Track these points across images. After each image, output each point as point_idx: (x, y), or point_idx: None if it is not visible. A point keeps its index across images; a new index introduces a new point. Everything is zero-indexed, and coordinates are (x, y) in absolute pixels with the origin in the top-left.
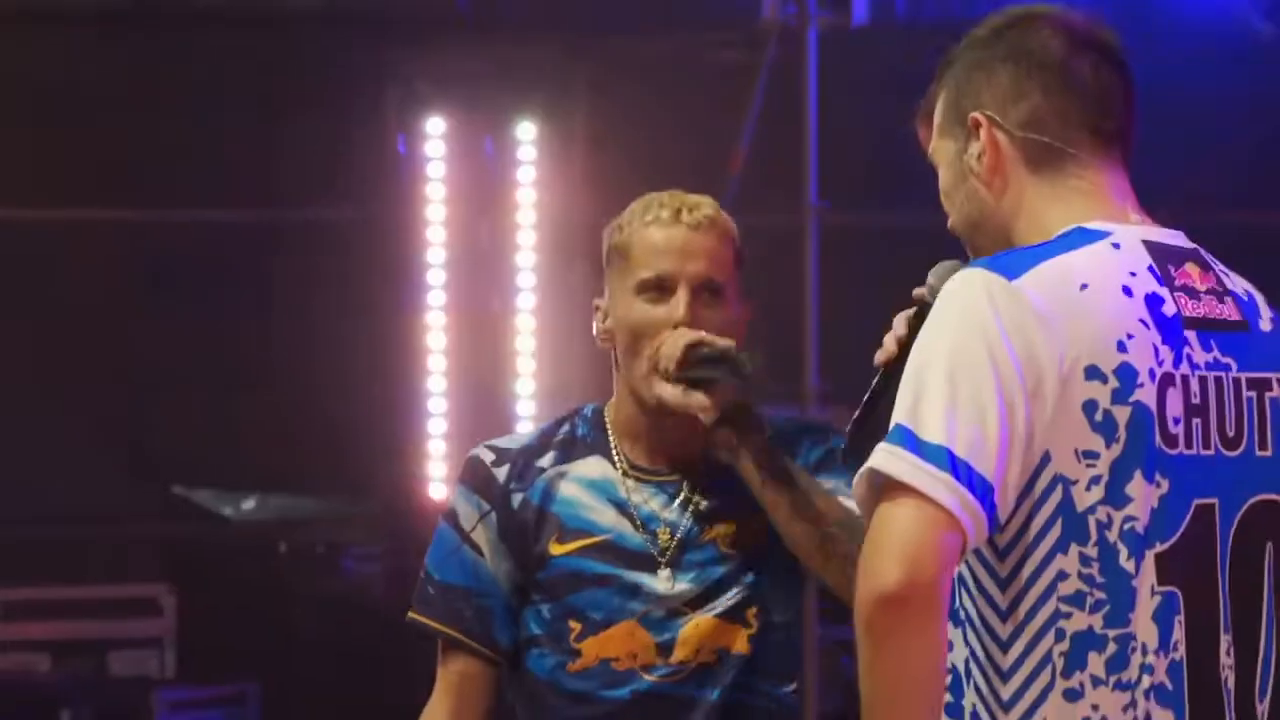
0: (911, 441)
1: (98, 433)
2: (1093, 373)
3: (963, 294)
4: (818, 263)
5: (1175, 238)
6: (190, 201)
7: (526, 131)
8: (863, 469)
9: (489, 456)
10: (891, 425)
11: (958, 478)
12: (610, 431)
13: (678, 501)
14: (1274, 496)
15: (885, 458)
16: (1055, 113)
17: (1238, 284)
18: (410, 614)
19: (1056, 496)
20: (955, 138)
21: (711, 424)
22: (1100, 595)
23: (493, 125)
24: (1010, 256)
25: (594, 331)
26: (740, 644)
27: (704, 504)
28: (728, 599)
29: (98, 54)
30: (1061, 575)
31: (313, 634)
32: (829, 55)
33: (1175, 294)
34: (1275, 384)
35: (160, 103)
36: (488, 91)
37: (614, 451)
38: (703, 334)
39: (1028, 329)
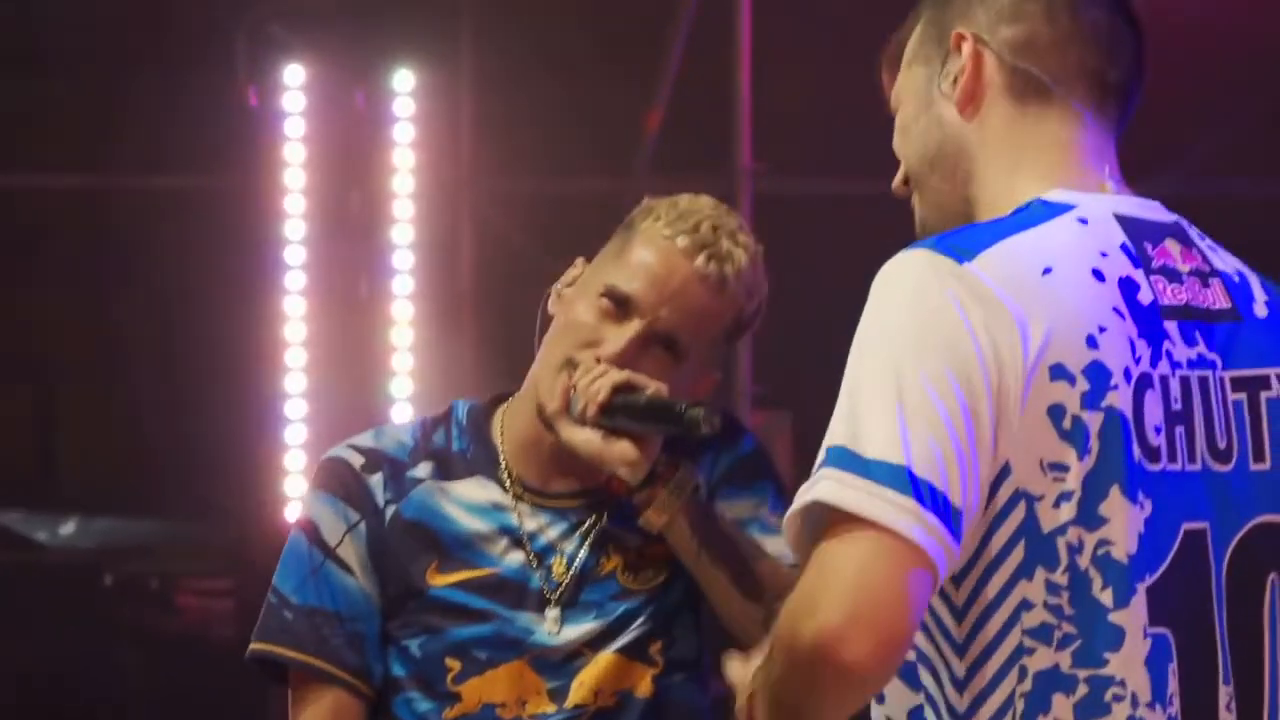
0: (855, 463)
1: None
2: (1059, 372)
3: (907, 277)
4: (752, 230)
5: (1152, 209)
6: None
7: (404, 81)
8: (795, 506)
9: (356, 460)
10: (826, 445)
11: (923, 503)
12: (500, 442)
13: (579, 530)
14: (1275, 518)
15: (831, 486)
16: (1055, 44)
17: (1227, 262)
18: (256, 645)
19: (1018, 515)
20: (929, 61)
21: (636, 483)
22: (1069, 629)
23: (363, 74)
24: (958, 236)
25: (556, 286)
26: (644, 686)
27: (606, 530)
28: (630, 633)
29: None
30: (1026, 605)
31: (144, 683)
32: None
33: (1152, 277)
34: (1275, 381)
35: None
36: (357, 34)
37: (503, 471)
38: (631, 375)
39: (986, 318)
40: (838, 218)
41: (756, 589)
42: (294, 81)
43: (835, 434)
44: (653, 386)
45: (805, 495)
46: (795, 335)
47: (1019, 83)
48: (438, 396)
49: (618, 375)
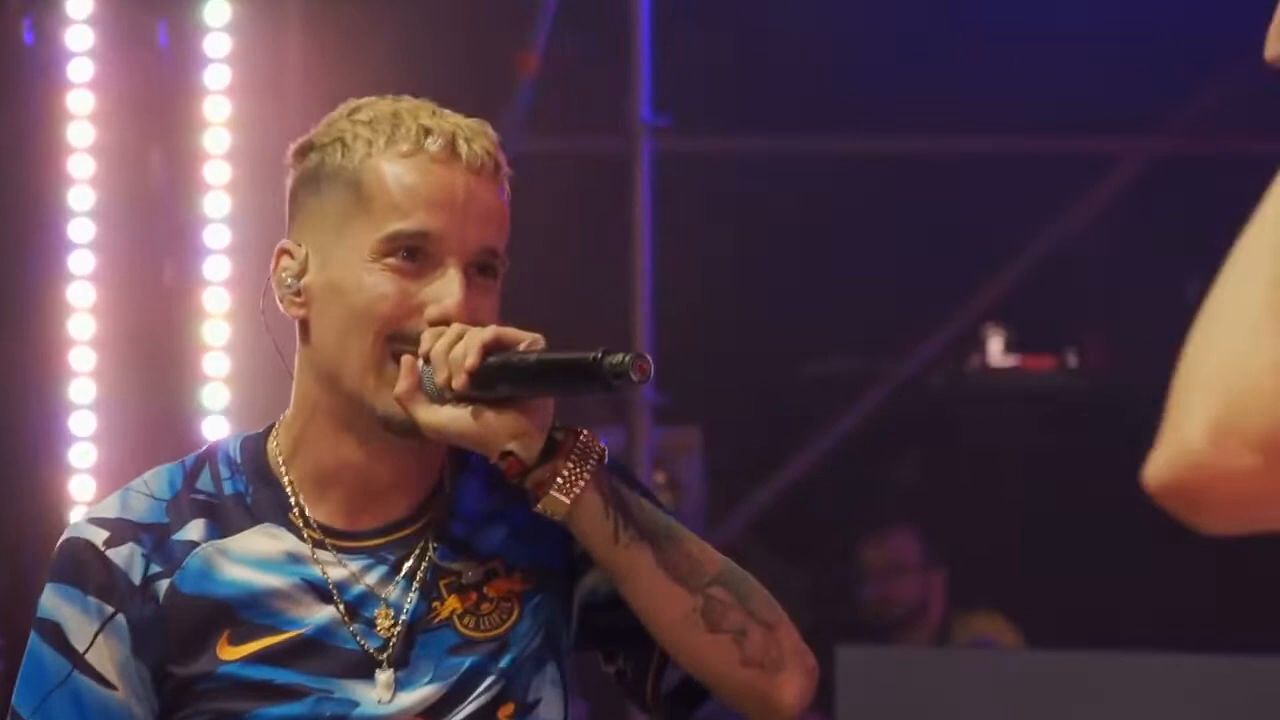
0: None
1: None
2: None
3: None
4: (652, 201)
5: None
6: None
7: (217, 13)
8: None
9: (98, 535)
10: None
11: None
12: (285, 478)
13: (403, 571)
14: None
15: None
16: None
17: None
18: None
19: None
20: None
21: (532, 460)
22: None
23: (166, 4)
24: None
25: (275, 290)
26: None
27: (436, 566)
28: (477, 697)
29: None
30: None
31: None
32: None
33: None
34: None
35: None
36: None
37: (294, 513)
38: (499, 329)
39: None
40: (753, 181)
41: (688, 570)
42: (80, 13)
43: None
44: (527, 339)
45: None
46: (702, 330)
47: None
48: (262, 407)
49: (482, 333)
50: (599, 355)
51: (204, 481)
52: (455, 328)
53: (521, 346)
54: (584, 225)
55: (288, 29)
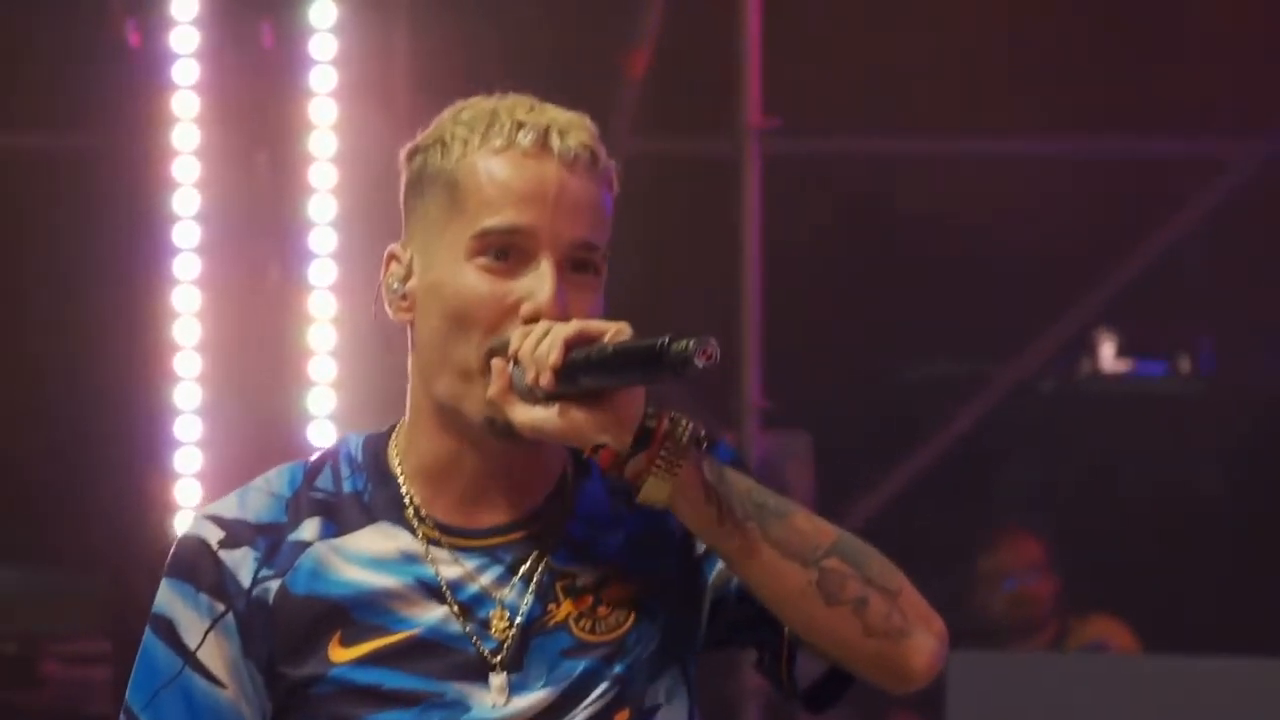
0: None
1: None
2: None
3: None
4: (761, 204)
5: None
6: None
7: (323, 16)
8: None
9: (214, 534)
10: None
11: None
12: (401, 477)
13: (520, 573)
14: None
15: None
16: None
17: None
18: None
19: None
20: None
21: (625, 450)
22: None
23: (271, 5)
24: None
25: (383, 295)
26: None
27: (552, 568)
28: (592, 702)
29: None
30: None
31: None
32: None
33: None
34: None
35: None
36: None
37: (410, 510)
38: (581, 323)
39: None
40: (862, 184)
41: (800, 544)
42: (184, 15)
43: None
44: (611, 329)
45: None
46: (813, 336)
47: None
48: (368, 412)
49: (565, 328)
50: (665, 342)
51: (324, 480)
52: (541, 325)
53: (606, 338)
54: (692, 228)
55: (394, 30)
